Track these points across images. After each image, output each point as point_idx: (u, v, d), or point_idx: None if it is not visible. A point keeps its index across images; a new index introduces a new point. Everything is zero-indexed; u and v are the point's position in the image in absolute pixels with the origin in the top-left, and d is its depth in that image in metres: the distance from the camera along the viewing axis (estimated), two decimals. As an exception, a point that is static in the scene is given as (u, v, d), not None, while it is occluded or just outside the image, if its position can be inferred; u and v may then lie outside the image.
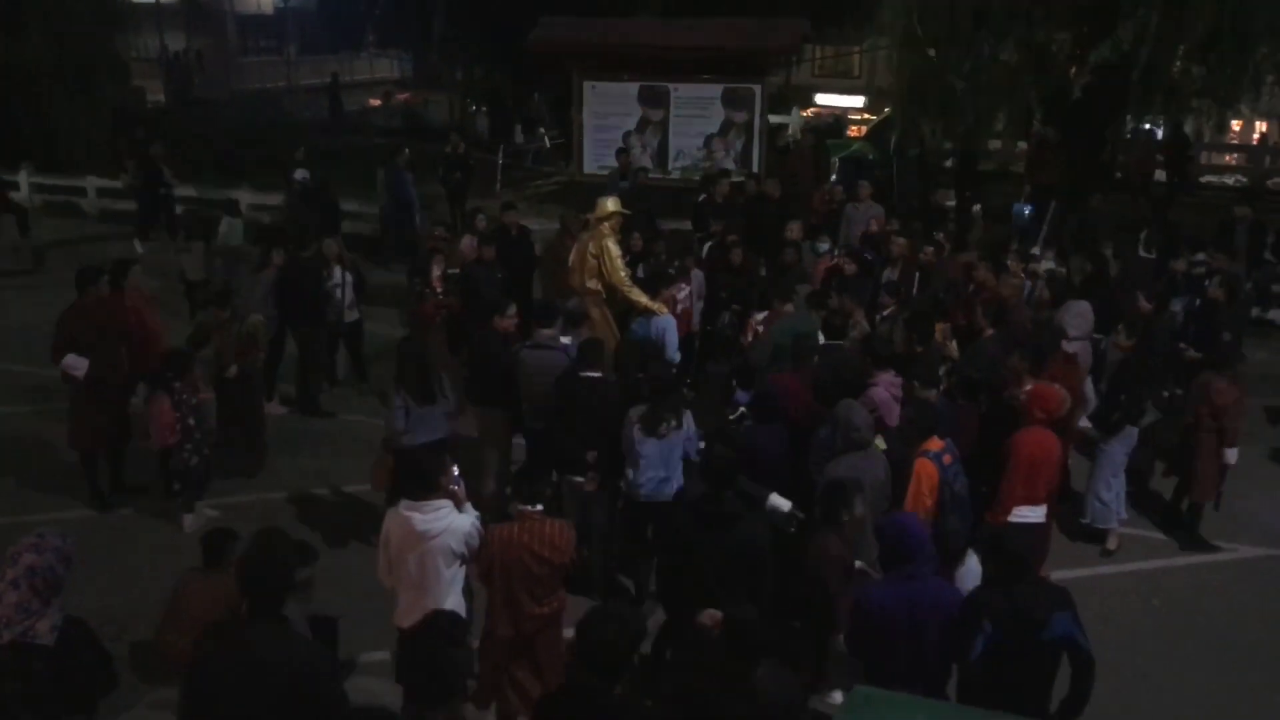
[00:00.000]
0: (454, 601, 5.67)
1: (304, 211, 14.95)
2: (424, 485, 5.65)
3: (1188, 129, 18.59)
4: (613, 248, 10.15)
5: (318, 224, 14.04)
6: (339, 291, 11.16)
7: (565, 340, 8.56)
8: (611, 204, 10.45)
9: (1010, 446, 7.05)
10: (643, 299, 9.86)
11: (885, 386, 7.64)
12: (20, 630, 4.23)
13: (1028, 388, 7.45)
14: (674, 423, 7.19)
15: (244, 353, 9.52)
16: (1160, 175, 19.13)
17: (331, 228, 14.34)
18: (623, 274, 10.07)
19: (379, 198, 16.51)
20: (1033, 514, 7.13)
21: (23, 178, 19.98)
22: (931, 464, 6.70)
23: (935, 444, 6.79)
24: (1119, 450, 8.42)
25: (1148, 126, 19.35)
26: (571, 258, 10.63)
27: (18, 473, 9.55)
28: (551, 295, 11.17)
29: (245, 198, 17.97)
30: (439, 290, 10.58)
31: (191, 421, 8.44)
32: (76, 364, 8.52)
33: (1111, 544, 8.59)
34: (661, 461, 7.19)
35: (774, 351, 8.74)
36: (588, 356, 7.77)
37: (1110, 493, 8.45)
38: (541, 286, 11.47)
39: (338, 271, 11.20)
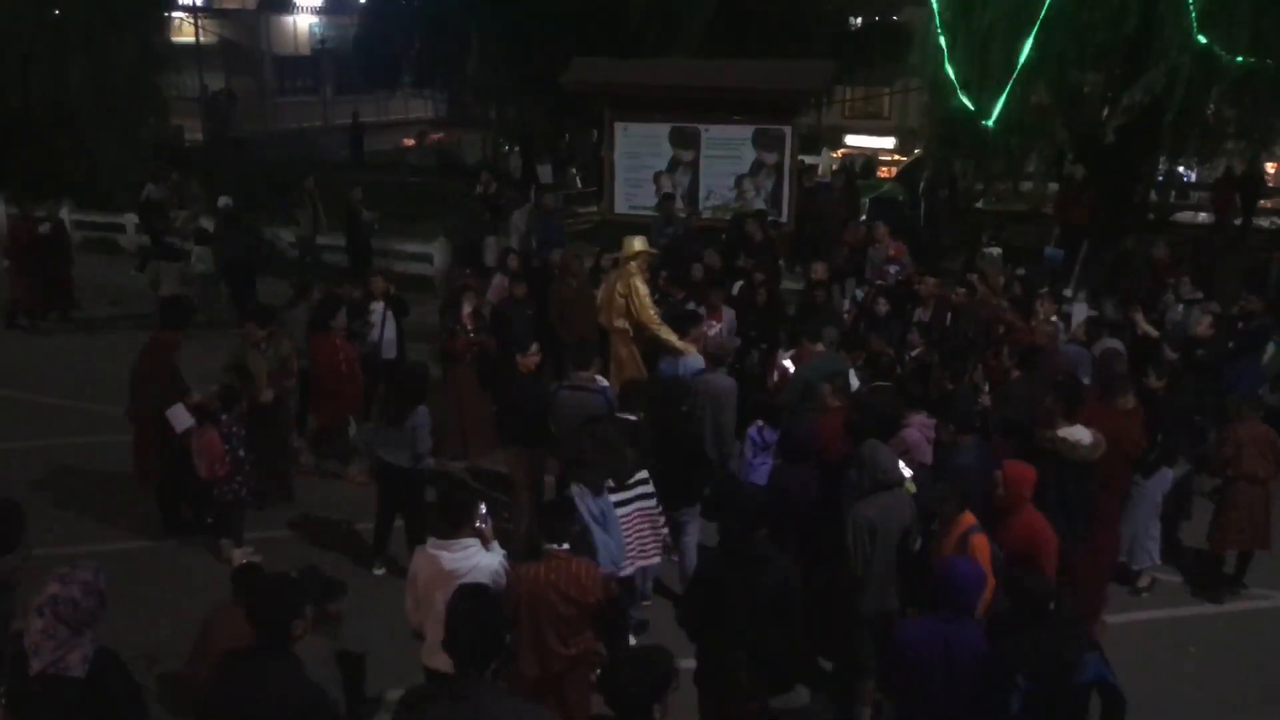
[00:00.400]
0: None
1: (229, 242, 14.97)
2: (454, 523, 5.65)
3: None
4: (640, 286, 10.18)
5: (240, 253, 14.42)
6: (377, 329, 11.12)
7: (603, 381, 8.56)
8: (639, 243, 10.50)
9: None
10: (672, 338, 9.86)
11: (918, 428, 7.60)
12: (51, 660, 4.27)
13: (1058, 433, 7.32)
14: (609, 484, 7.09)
15: (277, 378, 9.55)
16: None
17: (248, 260, 14.63)
18: (651, 312, 10.09)
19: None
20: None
21: (64, 214, 20.30)
22: (983, 537, 6.28)
23: (970, 518, 6.34)
24: (1155, 491, 8.32)
25: (1226, 165, 19.19)
26: (600, 296, 10.70)
27: (81, 503, 9.70)
28: (570, 336, 11.21)
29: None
30: (469, 327, 10.63)
31: (241, 454, 8.58)
32: (181, 418, 8.67)
33: (1144, 583, 8.48)
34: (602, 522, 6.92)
35: (803, 391, 8.71)
36: (628, 399, 7.78)
37: (1146, 533, 8.35)
38: (557, 328, 11.50)
39: (379, 308, 11.15)
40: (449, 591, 5.50)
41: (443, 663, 5.59)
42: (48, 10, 20.85)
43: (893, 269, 12.26)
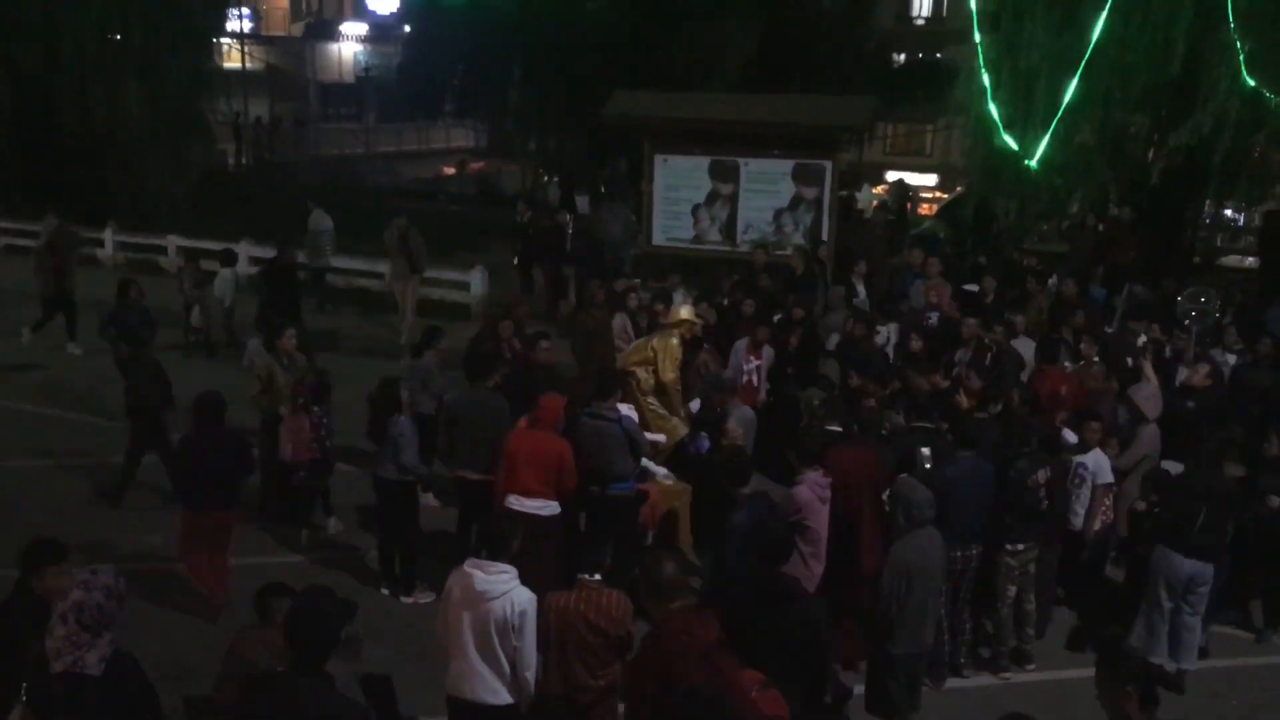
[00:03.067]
0: (504, 680, 5.59)
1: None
2: (495, 548, 5.63)
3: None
4: (675, 347, 10.15)
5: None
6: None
7: (625, 410, 8.53)
8: (686, 312, 10.52)
9: None
10: (676, 424, 9.83)
11: (810, 486, 7.25)
12: (69, 660, 4.38)
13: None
14: None
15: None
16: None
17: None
18: (673, 376, 10.05)
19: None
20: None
21: (108, 235, 20.63)
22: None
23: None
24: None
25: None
26: (633, 343, 10.76)
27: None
28: (590, 365, 11.14)
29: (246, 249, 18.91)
30: (509, 353, 10.57)
31: (329, 444, 9.13)
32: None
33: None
34: None
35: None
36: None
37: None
38: (577, 357, 11.44)
39: None
40: (478, 614, 5.53)
41: (470, 690, 5.64)
42: (109, 34, 21.21)
43: (932, 316, 12.09)
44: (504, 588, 5.52)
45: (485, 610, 5.52)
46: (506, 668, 5.58)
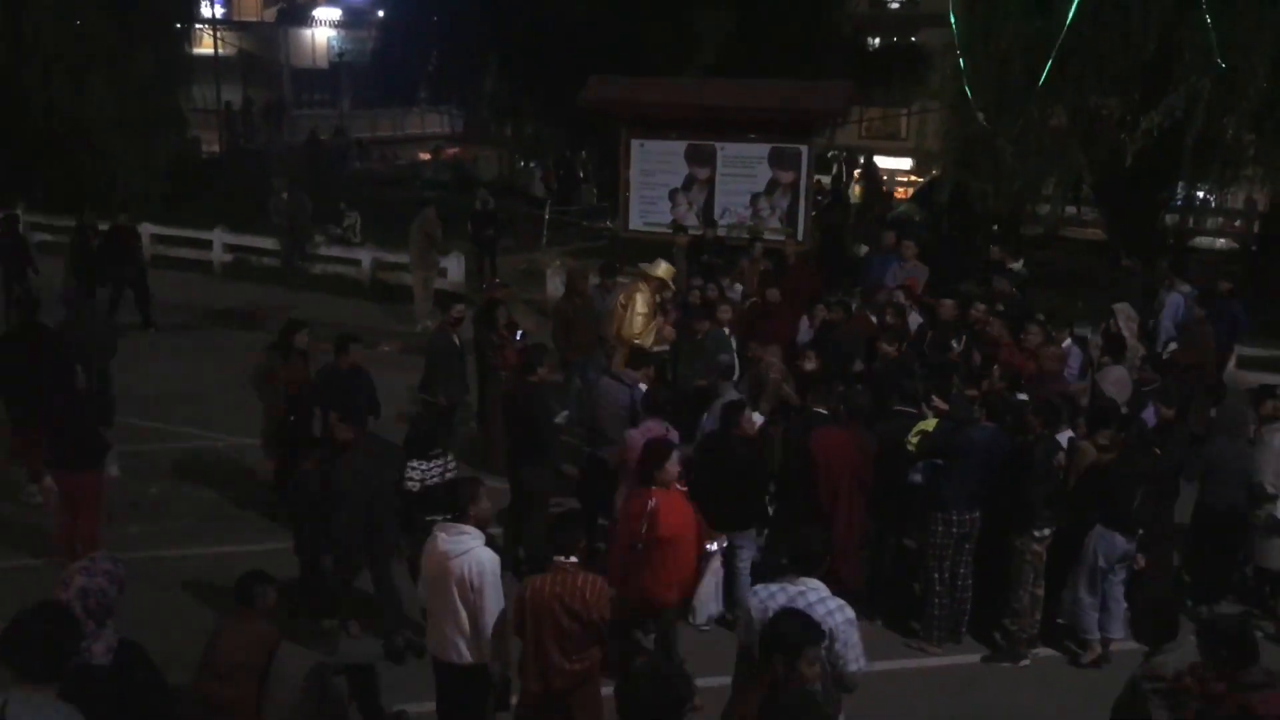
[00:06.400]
0: (465, 639, 5.70)
1: None
2: (451, 507, 5.85)
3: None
4: (640, 303, 10.21)
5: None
6: None
7: (643, 386, 8.65)
8: (664, 270, 10.53)
9: None
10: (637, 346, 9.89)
11: (643, 432, 7.60)
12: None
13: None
14: None
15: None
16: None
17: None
18: (636, 330, 10.12)
19: None
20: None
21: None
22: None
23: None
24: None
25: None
26: (616, 308, 10.76)
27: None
28: (568, 352, 11.28)
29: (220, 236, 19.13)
30: (507, 337, 10.55)
31: None
32: None
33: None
34: None
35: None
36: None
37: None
38: (560, 344, 11.45)
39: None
40: (442, 574, 5.69)
41: (442, 650, 5.81)
42: (70, 23, 20.94)
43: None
44: (464, 547, 5.65)
45: (447, 569, 5.67)
46: (468, 626, 5.70)
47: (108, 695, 4.38)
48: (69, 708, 4.07)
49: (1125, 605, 7.68)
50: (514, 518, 8.61)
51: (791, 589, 5.19)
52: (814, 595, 5.15)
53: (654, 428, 7.68)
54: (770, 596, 5.18)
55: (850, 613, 5.18)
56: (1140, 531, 7.65)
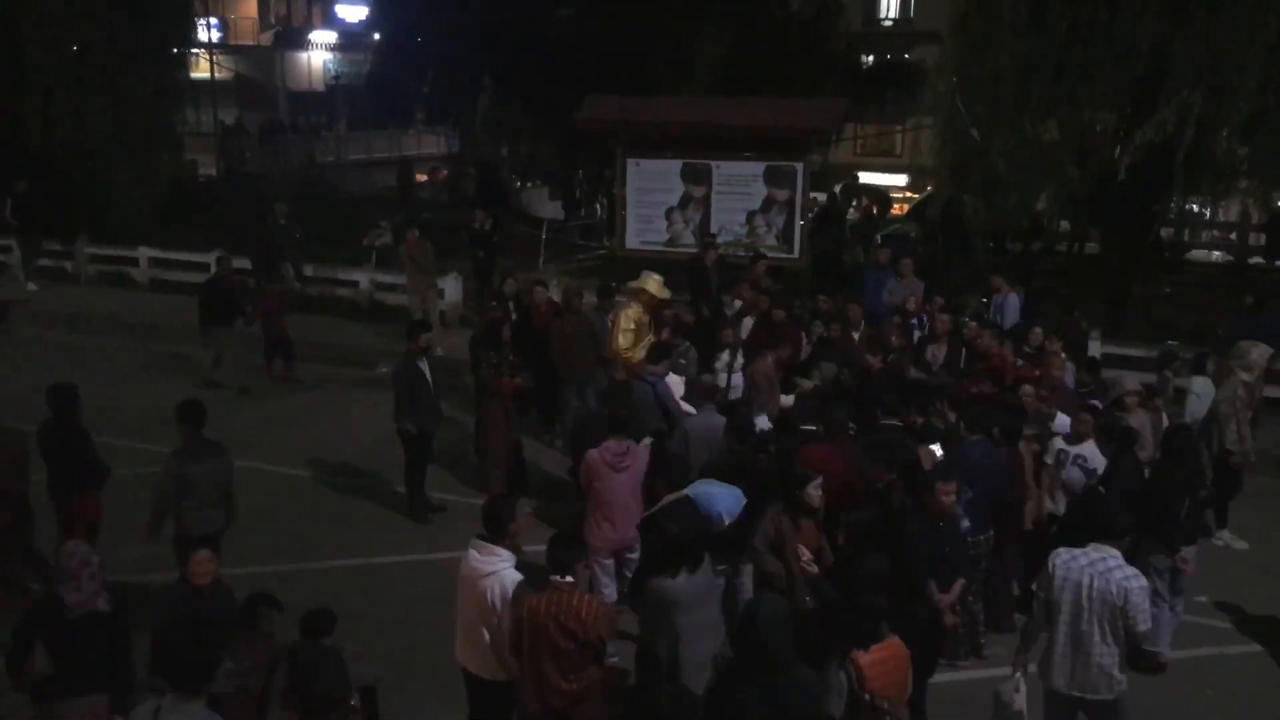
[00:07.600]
0: (495, 658, 5.76)
1: None
2: (491, 528, 5.87)
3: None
4: (624, 320, 10.28)
5: None
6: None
7: (671, 379, 9.25)
8: (654, 285, 10.57)
9: None
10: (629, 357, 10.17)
11: (602, 452, 7.82)
12: (88, 604, 5.73)
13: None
14: None
15: None
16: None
17: None
18: (621, 344, 10.21)
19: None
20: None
21: (79, 248, 20.44)
22: None
23: None
24: None
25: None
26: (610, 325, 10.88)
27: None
28: (570, 372, 11.25)
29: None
30: (511, 357, 10.56)
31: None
32: None
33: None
34: None
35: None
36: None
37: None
38: (557, 363, 11.42)
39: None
40: (472, 590, 5.79)
41: (469, 662, 5.93)
42: (68, 47, 21.05)
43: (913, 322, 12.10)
44: (492, 568, 5.70)
45: (475, 588, 5.75)
46: (487, 644, 5.80)
47: (111, 633, 5.76)
48: (215, 716, 4.56)
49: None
50: None
51: (1093, 554, 5.86)
52: (1113, 561, 5.83)
53: (613, 447, 7.85)
54: (1073, 558, 5.91)
55: (1144, 581, 5.86)
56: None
